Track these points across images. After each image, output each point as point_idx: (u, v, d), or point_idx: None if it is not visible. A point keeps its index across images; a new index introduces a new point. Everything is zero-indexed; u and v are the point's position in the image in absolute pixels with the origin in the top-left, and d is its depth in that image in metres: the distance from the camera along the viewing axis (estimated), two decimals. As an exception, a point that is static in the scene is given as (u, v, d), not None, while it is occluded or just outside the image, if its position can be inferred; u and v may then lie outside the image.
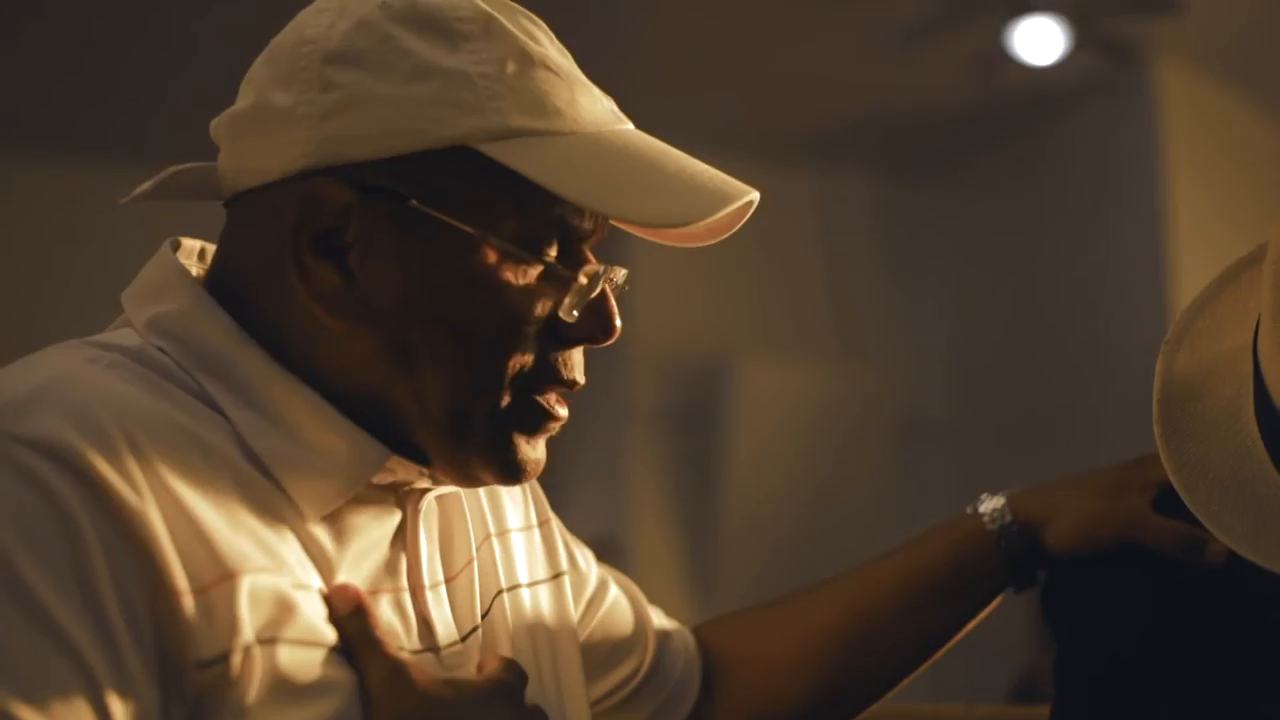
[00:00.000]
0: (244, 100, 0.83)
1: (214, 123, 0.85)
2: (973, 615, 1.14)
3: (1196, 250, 4.79)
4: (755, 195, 0.84)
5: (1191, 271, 4.71)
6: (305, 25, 0.82)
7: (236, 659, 0.71)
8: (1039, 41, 4.31)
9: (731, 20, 4.61)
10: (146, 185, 0.86)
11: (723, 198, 0.82)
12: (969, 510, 1.12)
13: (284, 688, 0.73)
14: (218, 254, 0.86)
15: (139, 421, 0.72)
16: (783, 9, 4.51)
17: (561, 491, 5.68)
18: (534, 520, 1.03)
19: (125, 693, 0.67)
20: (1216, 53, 4.78)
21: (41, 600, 0.66)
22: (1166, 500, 1.00)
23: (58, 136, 5.27)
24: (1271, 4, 4.49)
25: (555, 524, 1.05)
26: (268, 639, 0.73)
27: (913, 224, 6.22)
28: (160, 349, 0.80)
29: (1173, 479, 0.93)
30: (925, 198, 6.20)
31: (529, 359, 0.82)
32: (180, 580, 0.70)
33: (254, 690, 0.71)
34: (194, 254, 0.88)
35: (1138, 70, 4.89)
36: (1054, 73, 4.64)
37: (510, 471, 0.84)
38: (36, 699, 0.64)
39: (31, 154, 5.33)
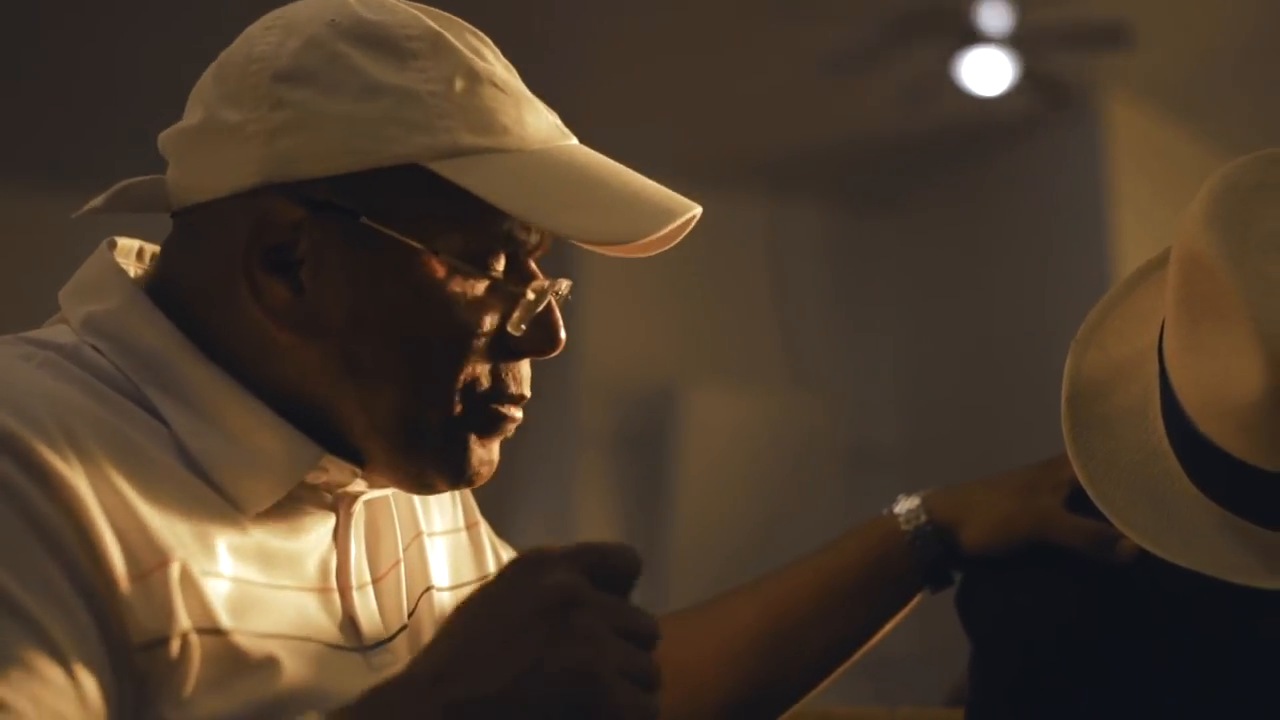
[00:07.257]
0: (193, 116, 0.83)
1: (162, 136, 0.85)
2: (890, 616, 1.14)
3: (1141, 280, 4.83)
4: (697, 210, 0.85)
5: (1136, 301, 4.75)
6: (254, 42, 0.82)
7: (175, 645, 0.71)
8: (987, 73, 4.36)
9: (683, 47, 4.64)
10: (98, 200, 0.86)
11: (666, 214, 0.83)
12: (885, 511, 1.13)
13: (222, 677, 0.73)
14: (161, 260, 0.87)
15: (74, 416, 0.73)
16: (733, 37, 4.54)
17: (511, 516, 5.66)
18: (462, 523, 1.03)
19: (90, 664, 0.68)
20: (1163, 85, 4.86)
21: None
22: (1079, 499, 1.01)
23: (4, 160, 5.24)
24: (1216, 39, 4.57)
25: (483, 527, 1.05)
26: (207, 628, 0.73)
27: (862, 252, 6.26)
28: (94, 347, 0.80)
29: (1079, 475, 0.95)
30: (875, 226, 6.24)
31: (478, 371, 0.83)
32: (119, 565, 0.70)
33: (193, 677, 0.72)
34: (131, 253, 0.88)
35: (1085, 102, 4.96)
36: (1002, 104, 4.69)
37: (463, 474, 0.85)
38: (6, 676, 0.64)
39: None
